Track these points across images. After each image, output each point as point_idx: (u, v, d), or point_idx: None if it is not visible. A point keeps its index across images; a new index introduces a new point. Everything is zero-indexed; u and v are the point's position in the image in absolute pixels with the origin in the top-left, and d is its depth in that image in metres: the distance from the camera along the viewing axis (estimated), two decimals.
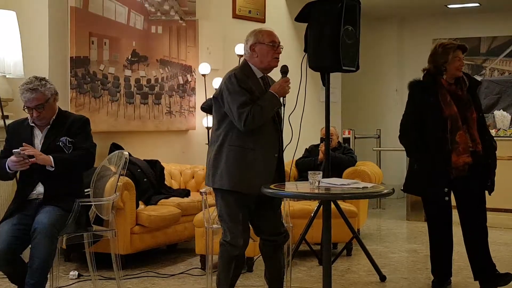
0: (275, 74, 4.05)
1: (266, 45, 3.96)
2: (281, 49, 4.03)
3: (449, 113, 4.50)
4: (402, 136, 4.81)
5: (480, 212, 4.63)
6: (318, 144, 6.88)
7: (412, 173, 4.71)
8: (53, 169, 4.02)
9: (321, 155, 6.64)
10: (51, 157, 4.03)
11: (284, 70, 4.01)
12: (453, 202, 4.63)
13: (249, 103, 3.84)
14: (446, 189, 4.54)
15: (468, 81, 4.63)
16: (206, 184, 4.10)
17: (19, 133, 4.19)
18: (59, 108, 4.27)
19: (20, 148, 3.98)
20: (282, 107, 4.02)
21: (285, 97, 4.00)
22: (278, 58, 4.02)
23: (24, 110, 4.15)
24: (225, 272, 4.05)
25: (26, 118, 4.24)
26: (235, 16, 8.16)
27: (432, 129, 4.53)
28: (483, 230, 4.64)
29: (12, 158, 4.00)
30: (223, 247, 4.02)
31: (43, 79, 4.15)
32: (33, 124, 4.18)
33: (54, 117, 4.18)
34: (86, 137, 4.23)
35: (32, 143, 4.12)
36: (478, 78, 8.68)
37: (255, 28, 4.09)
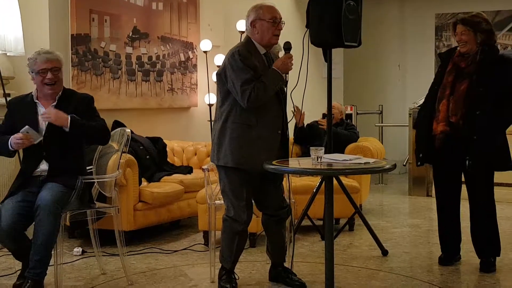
0: None
1: (266, 22, 3.94)
2: (283, 25, 4.01)
3: (444, 82, 4.57)
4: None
5: (479, 189, 4.59)
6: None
7: None
8: (68, 129, 3.99)
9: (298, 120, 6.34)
10: (68, 117, 4.00)
11: (287, 47, 4.00)
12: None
13: (253, 80, 3.84)
14: (420, 155, 4.65)
15: (483, 54, 4.49)
16: (212, 161, 4.11)
17: (21, 109, 4.18)
18: (64, 86, 4.26)
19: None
20: (286, 84, 4.01)
21: (287, 73, 4.00)
22: (278, 35, 4.00)
23: (34, 74, 4.08)
24: (228, 247, 4.08)
25: (28, 94, 4.23)
26: None
27: (430, 97, 4.68)
28: (486, 210, 4.60)
29: (17, 136, 3.99)
30: (226, 223, 4.05)
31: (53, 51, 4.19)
32: (36, 101, 4.16)
33: (60, 94, 4.17)
34: (95, 114, 4.23)
35: (35, 120, 4.10)
36: None
37: (257, 3, 4.07)
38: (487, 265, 4.61)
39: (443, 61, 4.71)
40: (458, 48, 4.60)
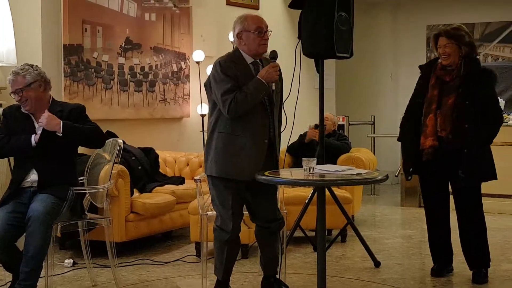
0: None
1: (252, 33, 3.94)
2: (269, 34, 4.01)
3: (429, 96, 4.57)
4: (404, 115, 4.98)
5: (468, 201, 4.60)
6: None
7: None
8: (61, 134, 3.99)
9: (308, 135, 6.61)
10: (61, 121, 4.00)
11: (273, 56, 3.98)
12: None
13: (233, 90, 3.85)
14: (411, 169, 4.66)
15: (466, 67, 4.52)
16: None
17: (16, 116, 4.17)
18: (53, 98, 4.24)
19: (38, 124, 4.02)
20: (272, 93, 3.99)
21: (279, 82, 3.99)
22: (266, 44, 3.99)
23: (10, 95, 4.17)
24: (218, 257, 4.09)
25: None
26: (229, 3, 8.13)
27: (414, 110, 4.68)
28: (475, 221, 4.61)
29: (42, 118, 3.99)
30: (215, 232, 4.07)
31: (31, 65, 4.15)
32: (25, 111, 4.15)
33: (48, 107, 4.16)
34: (87, 120, 4.24)
35: (33, 129, 4.09)
36: None
37: (242, 14, 4.08)
38: (480, 277, 4.62)
39: (424, 73, 4.72)
40: (440, 60, 4.61)
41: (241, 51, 4.01)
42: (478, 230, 4.62)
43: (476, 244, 4.63)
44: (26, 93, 4.08)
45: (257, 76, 3.92)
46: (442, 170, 4.58)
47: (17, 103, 4.19)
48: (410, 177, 4.72)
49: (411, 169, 4.67)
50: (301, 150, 6.58)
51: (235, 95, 3.83)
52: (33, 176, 4.10)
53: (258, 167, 3.90)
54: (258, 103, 3.93)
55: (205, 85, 4.05)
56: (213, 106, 4.01)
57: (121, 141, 4.48)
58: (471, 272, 4.66)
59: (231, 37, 7.22)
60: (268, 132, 4.01)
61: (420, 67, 4.84)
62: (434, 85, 4.58)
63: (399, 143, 8.58)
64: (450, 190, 4.70)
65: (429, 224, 4.78)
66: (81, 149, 5.34)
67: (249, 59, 4.00)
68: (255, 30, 3.95)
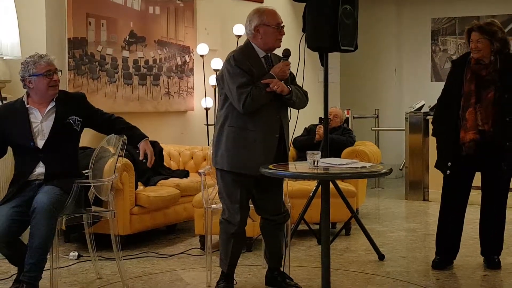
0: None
1: (271, 27, 3.96)
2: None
3: (466, 90, 4.57)
4: (435, 110, 4.99)
5: (497, 192, 4.71)
6: (317, 124, 6.87)
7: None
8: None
9: (317, 137, 6.66)
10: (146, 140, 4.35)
11: (286, 54, 4.02)
12: (475, 183, 4.73)
13: (249, 84, 3.85)
14: (449, 163, 4.62)
15: (502, 62, 4.58)
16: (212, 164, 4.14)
17: (11, 116, 4.12)
18: None
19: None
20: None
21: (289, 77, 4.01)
22: (281, 39, 4.02)
23: (35, 78, 4.04)
24: (224, 249, 4.11)
25: (17, 100, 4.20)
26: None
27: (449, 105, 4.66)
28: (499, 211, 4.73)
29: None
30: (222, 225, 4.09)
31: None
32: (29, 106, 4.12)
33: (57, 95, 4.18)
34: (98, 110, 4.36)
35: (28, 123, 4.08)
36: None
37: (258, 7, 4.08)
38: (494, 263, 4.76)
39: (458, 68, 4.69)
40: (471, 54, 4.62)
41: (253, 45, 4.01)
42: (500, 220, 4.74)
43: (495, 233, 4.75)
44: (57, 77, 4.15)
45: (271, 72, 3.94)
46: (481, 163, 4.61)
47: (11, 101, 4.20)
48: (448, 171, 4.66)
49: (449, 163, 4.63)
50: (308, 147, 6.59)
51: (251, 90, 3.84)
52: (39, 169, 4.10)
53: (268, 162, 3.90)
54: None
55: (217, 78, 4.06)
56: (224, 99, 3.99)
57: None
58: (475, 264, 4.70)
59: (235, 30, 7.22)
60: (278, 126, 4.02)
61: (453, 62, 4.88)
62: (471, 80, 4.58)
63: (403, 136, 8.58)
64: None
65: (445, 218, 4.79)
66: (85, 142, 5.37)
67: (261, 53, 4.01)
68: (274, 25, 3.96)
